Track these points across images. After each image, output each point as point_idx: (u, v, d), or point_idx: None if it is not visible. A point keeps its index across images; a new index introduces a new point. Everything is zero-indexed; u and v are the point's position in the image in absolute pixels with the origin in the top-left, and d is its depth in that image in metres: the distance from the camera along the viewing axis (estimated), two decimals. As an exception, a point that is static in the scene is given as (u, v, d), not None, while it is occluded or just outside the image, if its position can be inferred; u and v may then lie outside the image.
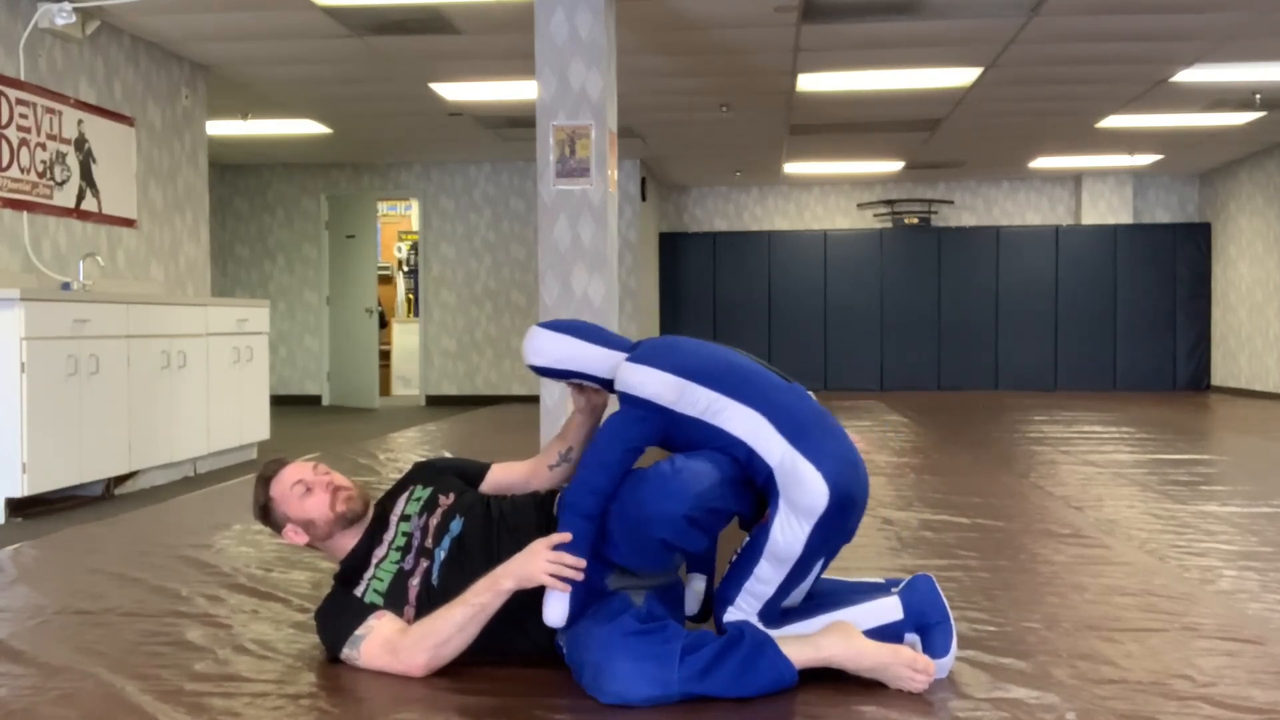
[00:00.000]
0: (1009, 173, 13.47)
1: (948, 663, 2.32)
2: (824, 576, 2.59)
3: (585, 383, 2.50)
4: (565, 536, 2.26)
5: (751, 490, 2.31)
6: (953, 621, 2.34)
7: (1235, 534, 4.02)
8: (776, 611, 2.33)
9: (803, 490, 2.21)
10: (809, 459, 2.23)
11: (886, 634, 2.32)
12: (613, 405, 2.47)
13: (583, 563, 2.25)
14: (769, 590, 2.28)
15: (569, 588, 2.24)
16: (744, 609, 2.30)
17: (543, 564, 2.24)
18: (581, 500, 2.28)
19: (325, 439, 8.36)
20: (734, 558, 2.33)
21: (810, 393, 2.43)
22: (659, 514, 2.19)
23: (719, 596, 2.33)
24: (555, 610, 2.26)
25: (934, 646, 2.31)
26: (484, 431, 8.27)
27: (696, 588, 2.50)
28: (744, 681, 2.15)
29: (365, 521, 2.55)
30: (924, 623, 2.33)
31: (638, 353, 2.39)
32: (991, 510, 4.46)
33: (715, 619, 2.34)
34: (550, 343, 2.45)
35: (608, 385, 2.47)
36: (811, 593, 2.44)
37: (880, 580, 2.53)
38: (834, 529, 2.25)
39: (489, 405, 11.59)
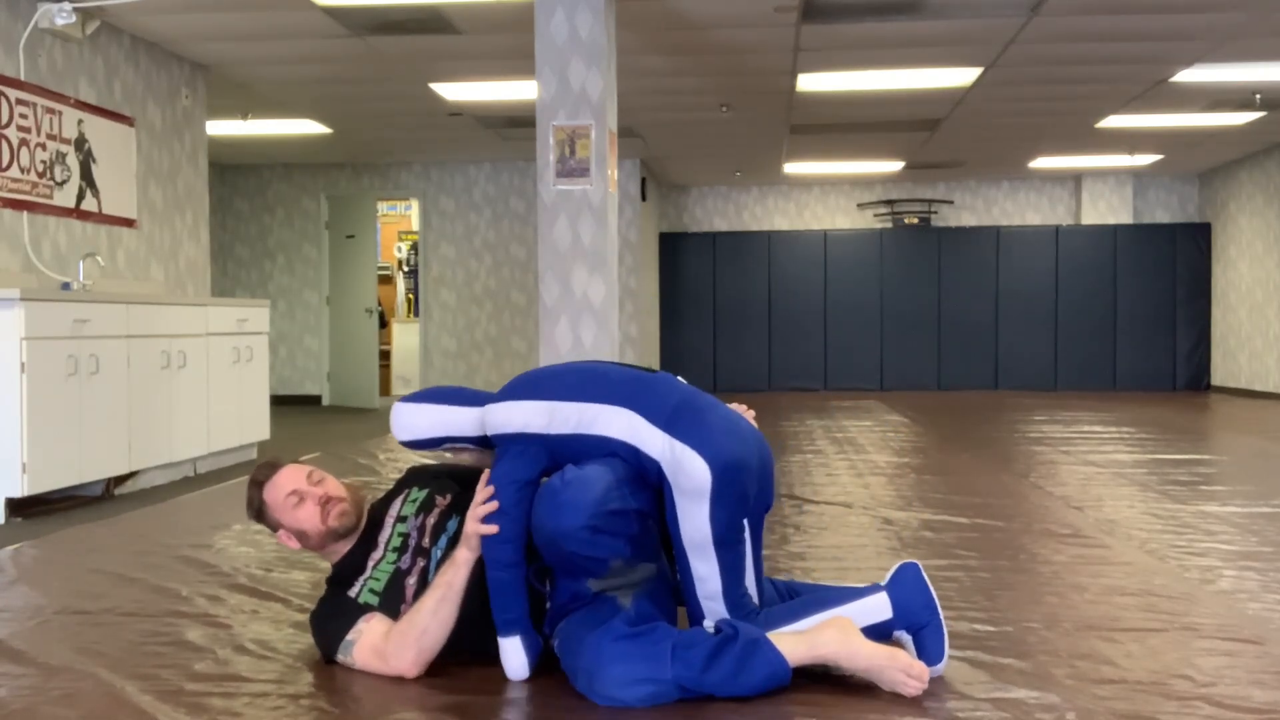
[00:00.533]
0: (1009, 173, 13.47)
1: (942, 666, 2.32)
2: (814, 584, 2.59)
3: (461, 447, 2.51)
4: (490, 507, 2.27)
5: (648, 486, 2.29)
6: (942, 619, 2.34)
7: (1235, 534, 4.02)
8: (745, 603, 2.30)
9: (686, 474, 2.21)
10: (684, 441, 2.22)
11: (876, 633, 2.32)
12: None
13: (495, 502, 2.26)
14: (716, 585, 2.26)
15: (491, 528, 2.25)
16: (714, 616, 2.29)
17: (473, 525, 2.27)
18: (497, 553, 2.27)
19: (325, 439, 8.36)
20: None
21: (679, 378, 2.42)
22: (558, 531, 2.18)
23: (690, 618, 2.33)
24: (513, 663, 2.28)
25: (927, 651, 2.31)
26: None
27: None
28: (739, 679, 2.15)
29: (360, 530, 2.55)
30: (914, 623, 2.32)
31: (497, 395, 2.41)
32: (991, 510, 4.46)
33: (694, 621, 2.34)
34: (415, 415, 2.45)
35: (483, 443, 2.46)
36: (799, 594, 2.44)
37: (876, 584, 2.50)
38: (732, 496, 2.23)
39: (489, 405, 11.57)
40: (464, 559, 2.30)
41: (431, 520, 2.50)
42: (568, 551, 2.21)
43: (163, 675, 2.38)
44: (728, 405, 2.41)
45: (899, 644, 2.34)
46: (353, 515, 2.52)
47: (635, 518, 2.26)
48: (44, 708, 2.19)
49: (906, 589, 2.35)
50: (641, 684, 2.13)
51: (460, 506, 2.53)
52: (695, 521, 2.23)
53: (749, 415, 2.48)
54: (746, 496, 2.27)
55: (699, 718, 2.10)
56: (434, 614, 2.30)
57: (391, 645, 2.32)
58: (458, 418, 2.45)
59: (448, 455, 2.64)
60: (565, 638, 2.27)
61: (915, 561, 2.42)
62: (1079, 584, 3.18)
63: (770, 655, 2.17)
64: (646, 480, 2.28)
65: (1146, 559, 3.57)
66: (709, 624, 2.29)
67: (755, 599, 2.36)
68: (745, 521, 2.29)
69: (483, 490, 2.31)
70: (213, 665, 2.46)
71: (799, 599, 2.42)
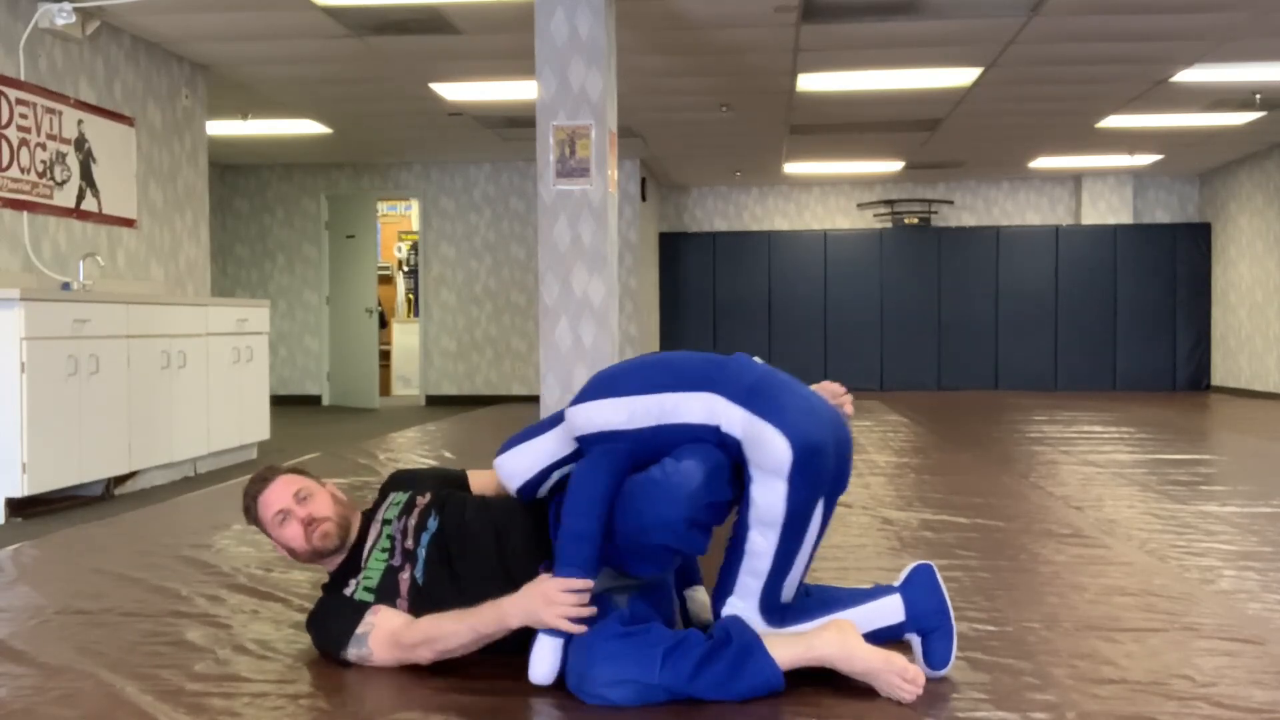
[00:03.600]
0: (1009, 173, 13.48)
1: (945, 670, 2.31)
2: (827, 585, 2.58)
3: (567, 470, 2.48)
4: (586, 583, 2.20)
5: (738, 472, 2.29)
6: (954, 623, 2.33)
7: (1235, 534, 4.02)
8: (777, 597, 2.30)
9: (765, 451, 2.20)
10: (765, 418, 2.21)
11: (886, 636, 2.32)
12: None
13: (594, 611, 2.21)
14: (765, 564, 2.25)
15: (580, 629, 2.19)
16: (743, 598, 2.28)
17: (560, 611, 2.18)
18: (577, 551, 2.22)
19: (325, 439, 8.36)
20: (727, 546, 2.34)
21: (756, 358, 2.42)
22: (657, 521, 2.19)
23: (717, 590, 2.32)
24: (543, 668, 2.22)
25: (933, 657, 2.30)
26: (484, 431, 8.26)
27: (700, 599, 2.49)
28: (729, 685, 2.14)
29: (350, 541, 2.55)
30: (925, 627, 2.31)
31: (573, 400, 2.41)
32: (991, 510, 4.46)
33: (713, 613, 2.33)
34: (512, 462, 2.46)
35: (578, 457, 2.44)
36: (811, 595, 2.43)
37: (889, 585, 2.48)
38: (810, 479, 2.22)
39: (489, 405, 11.59)
40: (513, 628, 2.25)
41: (413, 521, 2.51)
42: (657, 544, 2.20)
43: (163, 675, 2.38)
44: (808, 386, 2.39)
45: (908, 646, 2.34)
46: (336, 536, 2.50)
47: (726, 509, 2.28)
48: (44, 708, 2.19)
49: (920, 591, 2.34)
50: (628, 685, 2.12)
51: (439, 504, 2.53)
52: (770, 499, 2.22)
53: (844, 397, 2.46)
54: (823, 477, 2.25)
55: (694, 717, 2.10)
56: (462, 645, 2.30)
57: (413, 639, 2.32)
58: (546, 445, 2.45)
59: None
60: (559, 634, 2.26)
61: (930, 563, 2.40)
62: (1079, 584, 3.17)
63: (763, 663, 2.16)
64: (735, 470, 2.27)
65: (1146, 559, 3.57)
66: (732, 601, 2.27)
67: (791, 596, 2.34)
68: (819, 504, 2.28)
69: (573, 584, 2.21)
70: (213, 665, 2.45)
71: (811, 598, 2.41)
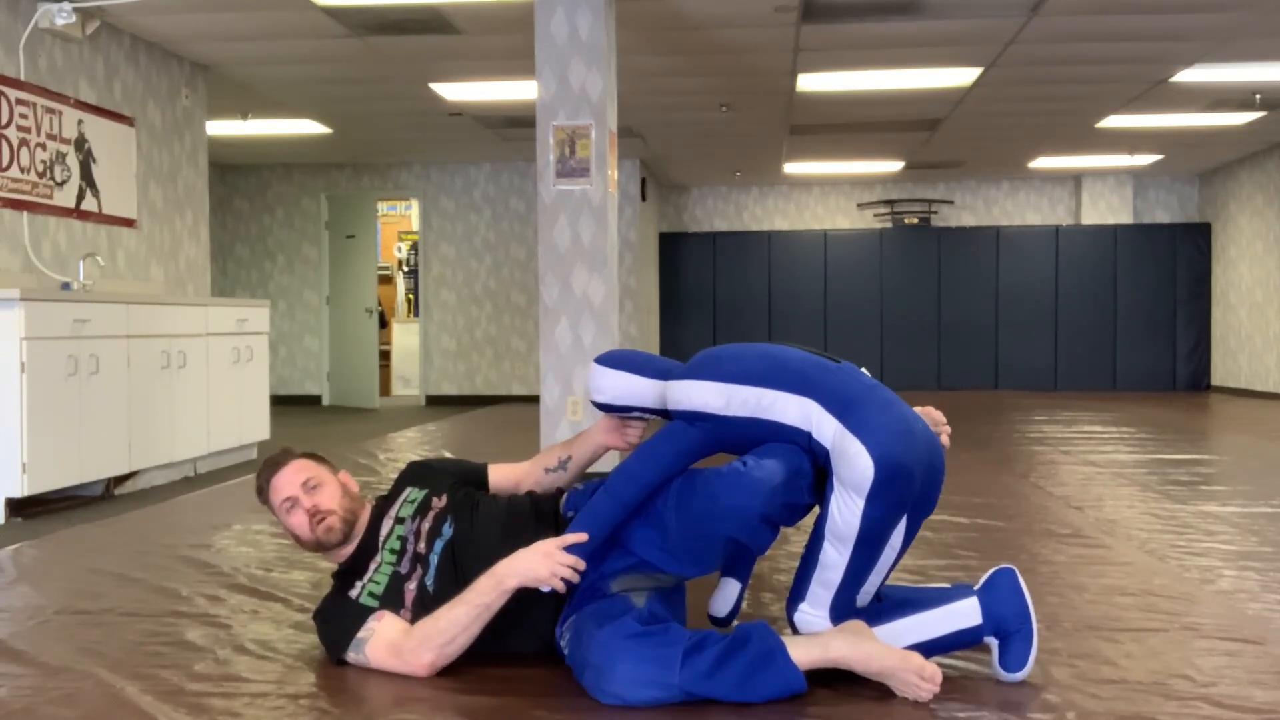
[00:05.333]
0: (1009, 173, 13.48)
1: (1022, 674, 2.28)
2: (903, 585, 2.56)
3: (640, 418, 2.55)
4: (580, 537, 2.27)
5: (821, 479, 2.29)
6: (1034, 626, 2.28)
7: (1235, 534, 4.02)
8: (850, 605, 2.29)
9: (850, 466, 2.19)
10: (855, 434, 2.20)
11: (962, 640, 2.29)
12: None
13: (584, 565, 2.27)
14: (836, 576, 2.25)
15: (564, 585, 2.26)
16: (815, 605, 2.27)
17: (554, 566, 2.24)
18: (622, 489, 2.29)
19: (325, 439, 8.36)
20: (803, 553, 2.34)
21: (863, 370, 2.41)
22: (733, 509, 2.20)
23: (791, 595, 2.32)
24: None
25: (1009, 660, 2.27)
26: (484, 431, 8.27)
27: (728, 593, 2.49)
28: (748, 687, 2.13)
29: (358, 535, 2.54)
30: (1003, 630, 2.27)
31: (681, 371, 2.42)
32: (991, 510, 4.46)
33: (787, 617, 2.33)
34: (606, 379, 2.50)
35: (665, 415, 2.48)
36: (884, 598, 2.41)
37: (966, 584, 2.44)
38: (890, 501, 2.20)
39: (489, 405, 11.59)
40: (511, 589, 2.27)
41: (427, 525, 2.49)
42: (723, 534, 2.21)
43: (163, 675, 2.38)
44: (911, 407, 2.37)
45: (987, 649, 2.32)
46: (339, 531, 2.50)
47: (801, 512, 2.29)
48: (44, 708, 2.19)
49: (1000, 595, 2.30)
50: (649, 686, 2.11)
51: (454, 508, 2.52)
52: (848, 514, 2.21)
53: (943, 426, 2.44)
54: (905, 501, 2.23)
55: (703, 716, 2.10)
56: (464, 629, 2.30)
57: (412, 643, 2.31)
58: (645, 388, 2.47)
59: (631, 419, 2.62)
60: (575, 632, 2.26)
61: (1012, 567, 2.36)
62: (1079, 584, 3.18)
63: (783, 668, 2.14)
64: (818, 471, 2.28)
65: (1146, 559, 3.57)
66: (804, 608, 2.27)
67: (867, 601, 2.34)
68: (899, 525, 2.27)
69: (569, 539, 2.29)
70: (213, 665, 2.45)
71: (885, 601, 2.38)
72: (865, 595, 2.33)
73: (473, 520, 2.49)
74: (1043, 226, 13.70)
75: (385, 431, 8.62)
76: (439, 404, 12.29)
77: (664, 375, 2.46)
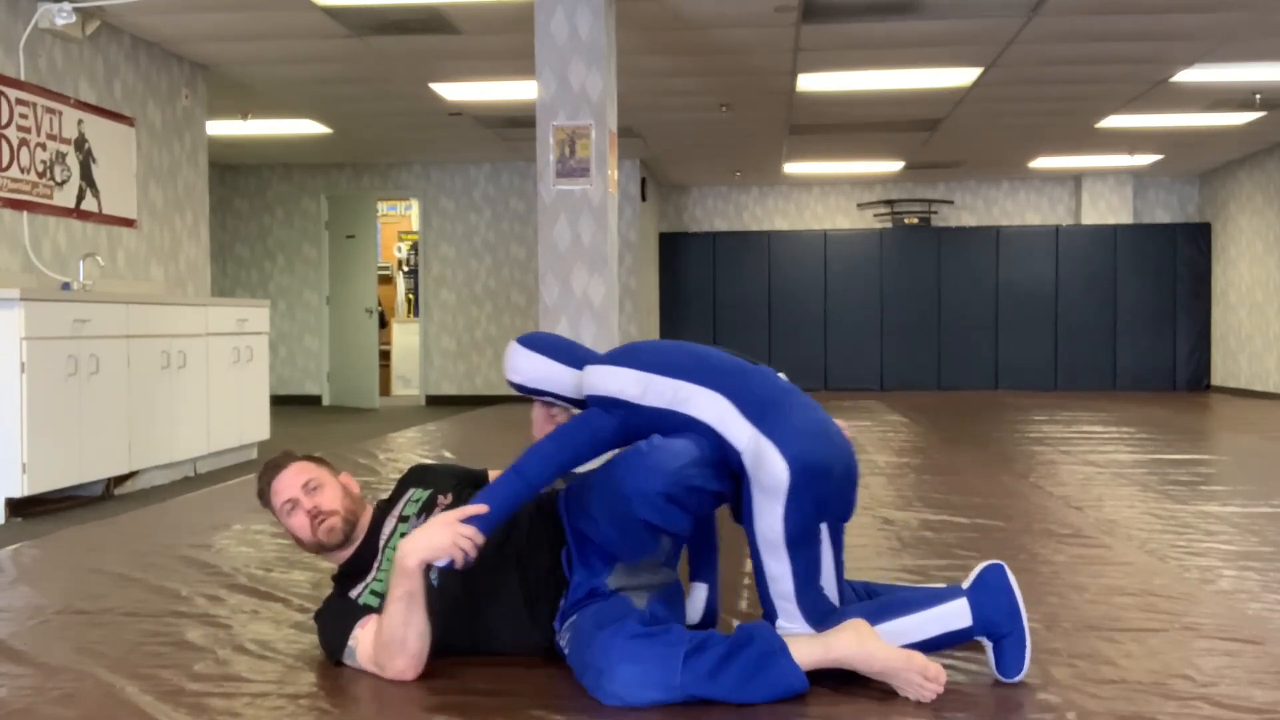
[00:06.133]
0: (1009, 173, 13.48)
1: (1019, 678, 2.26)
2: (895, 585, 2.55)
3: (556, 403, 2.52)
4: (480, 508, 2.26)
5: (729, 474, 2.28)
6: (1026, 628, 2.26)
7: (1235, 534, 4.02)
8: (819, 603, 2.27)
9: (765, 470, 2.19)
10: (769, 437, 2.20)
11: (953, 640, 2.28)
12: None
13: (482, 539, 2.25)
14: (789, 585, 2.24)
15: (464, 557, 2.23)
16: (787, 619, 2.26)
17: (453, 537, 2.23)
18: (529, 467, 2.29)
19: (325, 439, 8.36)
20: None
21: (781, 374, 2.41)
22: (636, 492, 2.18)
23: (764, 617, 2.31)
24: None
25: (1004, 665, 2.26)
26: (484, 431, 8.26)
27: (698, 597, 2.48)
28: (750, 687, 2.12)
29: (359, 536, 2.54)
30: (995, 632, 2.25)
31: (601, 357, 2.43)
32: (991, 510, 4.46)
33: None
34: (524, 360, 2.49)
35: (579, 405, 2.47)
36: (874, 596, 2.40)
37: (958, 585, 2.40)
38: (809, 502, 2.20)
39: (489, 405, 11.58)
40: (415, 568, 2.25)
41: None
42: (635, 517, 2.19)
43: (163, 675, 2.38)
44: (823, 411, 2.37)
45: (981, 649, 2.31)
46: (341, 531, 2.50)
47: (710, 499, 2.26)
48: (44, 708, 2.19)
49: (990, 594, 2.27)
50: (650, 687, 2.11)
51: (461, 505, 2.53)
52: (769, 520, 2.21)
53: (846, 432, 2.44)
54: (825, 502, 2.23)
55: (704, 717, 2.10)
56: (406, 624, 2.28)
57: (380, 655, 2.31)
58: (562, 375, 2.47)
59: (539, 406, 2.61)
60: (576, 632, 2.26)
61: (1001, 563, 2.32)
62: (1079, 584, 3.17)
63: (785, 668, 2.13)
64: (728, 467, 2.27)
65: (1146, 559, 3.57)
66: (781, 624, 2.26)
67: (835, 599, 2.32)
68: (822, 526, 2.26)
69: (469, 510, 2.29)
70: (213, 665, 2.45)
71: (876, 600, 2.37)
72: (832, 591, 2.32)
73: None
74: (1043, 226, 13.70)
75: (385, 431, 8.62)
76: (439, 404, 12.29)
77: (583, 364, 2.46)
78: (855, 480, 2.33)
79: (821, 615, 2.26)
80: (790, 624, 2.26)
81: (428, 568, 2.28)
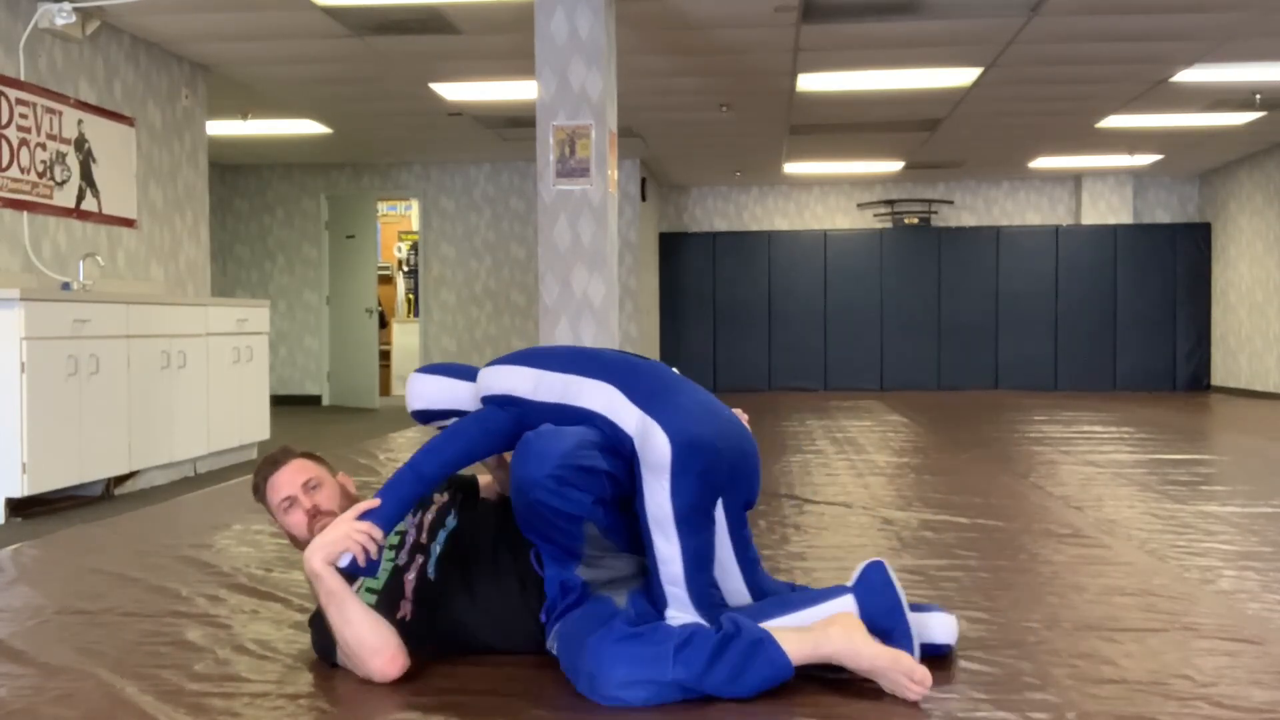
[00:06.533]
0: (1009, 173, 13.48)
1: None
2: (791, 584, 2.57)
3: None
4: (374, 503, 2.29)
5: (623, 459, 2.30)
6: (909, 621, 2.28)
7: (1235, 534, 4.02)
8: (710, 595, 2.28)
9: (650, 448, 2.22)
10: (653, 416, 2.24)
11: None
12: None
13: (380, 533, 2.27)
14: (677, 569, 2.25)
15: (364, 554, 2.25)
16: (678, 607, 2.27)
17: (349, 531, 2.25)
18: (423, 462, 2.33)
19: (325, 439, 8.36)
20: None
21: (674, 369, 2.45)
22: (527, 477, 2.20)
23: (655, 605, 2.31)
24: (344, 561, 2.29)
25: None
26: (484, 431, 8.25)
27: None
28: (741, 679, 2.14)
29: None
30: (878, 627, 2.26)
31: (493, 360, 2.49)
32: (991, 510, 4.46)
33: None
34: (424, 385, 2.55)
35: None
36: (761, 593, 2.41)
37: (844, 585, 2.42)
38: (694, 477, 2.22)
39: (489, 405, 11.57)
40: (319, 567, 2.26)
41: (429, 517, 2.51)
42: (535, 502, 2.21)
43: (163, 675, 2.38)
44: (717, 399, 2.41)
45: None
46: None
47: (606, 480, 2.26)
48: (44, 708, 2.19)
49: (873, 591, 2.30)
50: (643, 685, 2.12)
51: (458, 503, 2.54)
52: (657, 497, 2.23)
53: (743, 418, 2.47)
54: (712, 480, 2.25)
55: (701, 717, 2.10)
56: (346, 624, 2.28)
57: (354, 666, 2.32)
58: (461, 391, 2.54)
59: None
60: (564, 638, 2.26)
61: (881, 561, 2.35)
62: (1079, 584, 3.17)
63: (773, 654, 2.15)
64: (620, 455, 2.29)
65: (1146, 559, 3.57)
66: (670, 614, 2.27)
67: (745, 594, 2.35)
68: (717, 510, 2.27)
69: (362, 506, 2.32)
70: (213, 665, 2.45)
71: (766, 599, 2.38)
72: (734, 593, 2.34)
73: (474, 513, 2.51)
74: (1043, 226, 13.70)
75: (385, 431, 8.62)
76: (439, 404, 12.27)
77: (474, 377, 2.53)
78: (751, 460, 2.35)
79: (711, 606, 2.28)
80: (680, 613, 2.27)
81: (345, 575, 2.29)
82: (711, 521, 2.28)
